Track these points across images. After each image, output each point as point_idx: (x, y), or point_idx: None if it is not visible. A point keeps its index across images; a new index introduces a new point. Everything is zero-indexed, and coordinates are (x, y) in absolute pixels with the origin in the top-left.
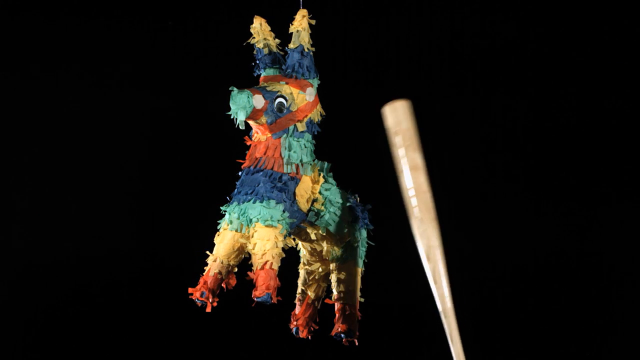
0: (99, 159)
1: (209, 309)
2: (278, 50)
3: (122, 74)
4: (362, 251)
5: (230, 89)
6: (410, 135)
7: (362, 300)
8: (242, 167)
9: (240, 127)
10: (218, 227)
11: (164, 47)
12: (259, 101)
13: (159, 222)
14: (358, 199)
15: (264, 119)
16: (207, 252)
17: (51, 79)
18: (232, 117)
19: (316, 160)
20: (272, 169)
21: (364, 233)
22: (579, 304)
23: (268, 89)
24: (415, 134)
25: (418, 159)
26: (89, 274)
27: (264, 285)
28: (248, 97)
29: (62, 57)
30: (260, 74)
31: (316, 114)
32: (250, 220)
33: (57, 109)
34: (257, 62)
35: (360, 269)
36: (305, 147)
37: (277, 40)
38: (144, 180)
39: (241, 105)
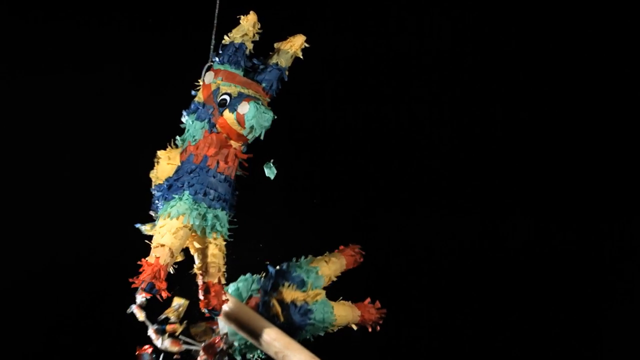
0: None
1: (165, 294)
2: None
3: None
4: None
5: (256, 101)
6: None
7: None
8: (208, 162)
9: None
10: (169, 213)
11: (145, 46)
12: None
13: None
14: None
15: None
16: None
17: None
18: (252, 128)
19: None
20: (234, 180)
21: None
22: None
23: (262, 103)
24: None
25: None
26: (87, 277)
27: (223, 301)
28: (272, 117)
29: (57, 60)
30: (225, 68)
31: None
32: (220, 228)
33: (56, 111)
34: (238, 57)
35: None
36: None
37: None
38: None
39: (267, 124)
